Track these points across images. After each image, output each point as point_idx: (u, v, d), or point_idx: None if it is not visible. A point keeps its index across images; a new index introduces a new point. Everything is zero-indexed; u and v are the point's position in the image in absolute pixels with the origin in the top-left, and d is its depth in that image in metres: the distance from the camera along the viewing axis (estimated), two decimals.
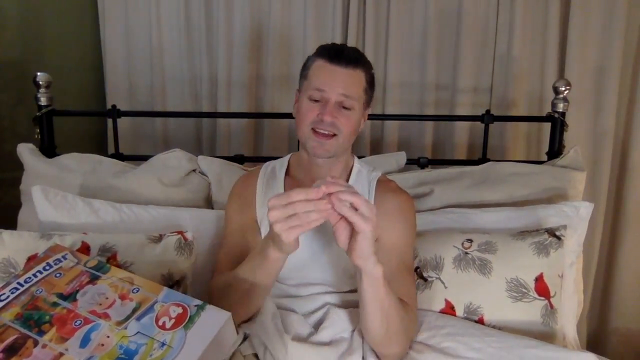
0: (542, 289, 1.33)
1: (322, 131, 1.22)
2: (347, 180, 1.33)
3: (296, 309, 1.25)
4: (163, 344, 0.88)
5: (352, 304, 1.26)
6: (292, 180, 1.36)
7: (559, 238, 1.38)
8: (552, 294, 1.33)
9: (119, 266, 1.27)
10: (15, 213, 1.70)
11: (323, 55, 1.24)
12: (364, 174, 1.35)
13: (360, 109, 1.26)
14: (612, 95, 2.02)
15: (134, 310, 0.93)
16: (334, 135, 1.23)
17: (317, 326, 1.22)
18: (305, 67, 1.28)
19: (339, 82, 1.21)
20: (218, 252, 1.39)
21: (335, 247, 1.27)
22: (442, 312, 1.35)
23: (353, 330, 1.22)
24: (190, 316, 0.92)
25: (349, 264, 1.28)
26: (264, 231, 1.33)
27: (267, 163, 1.44)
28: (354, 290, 1.30)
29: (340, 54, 1.22)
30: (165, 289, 0.98)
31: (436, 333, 1.24)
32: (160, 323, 0.91)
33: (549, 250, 1.36)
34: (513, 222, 1.53)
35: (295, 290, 1.29)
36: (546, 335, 1.30)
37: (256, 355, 1.15)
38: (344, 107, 1.22)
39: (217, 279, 1.28)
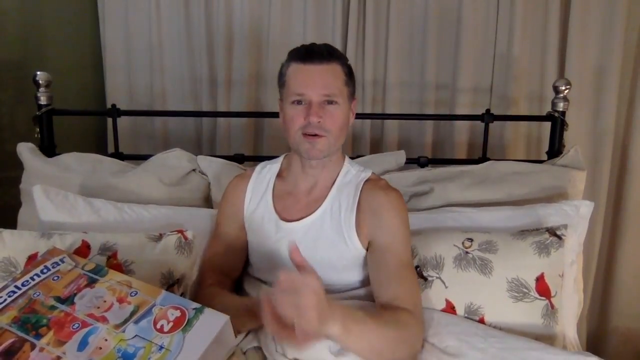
0: (543, 289, 1.32)
1: (311, 132, 1.23)
2: (334, 184, 1.33)
3: None
4: (161, 347, 0.88)
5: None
6: (282, 183, 1.38)
7: (559, 237, 1.36)
8: (552, 294, 1.32)
9: (119, 265, 1.27)
10: (15, 213, 1.70)
11: (295, 58, 1.25)
12: (352, 175, 1.35)
13: (345, 102, 1.26)
14: (612, 95, 2.02)
15: (132, 314, 0.93)
16: (324, 135, 1.23)
17: None
18: (282, 75, 1.29)
19: (317, 81, 1.22)
20: (203, 255, 1.42)
21: (323, 248, 1.27)
22: (443, 312, 1.34)
23: None
24: (188, 319, 0.92)
25: (337, 264, 1.28)
26: (250, 231, 1.37)
27: (263, 163, 1.45)
28: (345, 290, 1.30)
29: (312, 52, 1.23)
30: (164, 292, 0.98)
31: (439, 331, 1.24)
32: (158, 326, 0.91)
33: (550, 250, 1.34)
34: (513, 221, 1.51)
35: None
36: (546, 336, 1.29)
37: (256, 348, 1.16)
38: (329, 103, 1.23)
39: (203, 293, 1.31)
